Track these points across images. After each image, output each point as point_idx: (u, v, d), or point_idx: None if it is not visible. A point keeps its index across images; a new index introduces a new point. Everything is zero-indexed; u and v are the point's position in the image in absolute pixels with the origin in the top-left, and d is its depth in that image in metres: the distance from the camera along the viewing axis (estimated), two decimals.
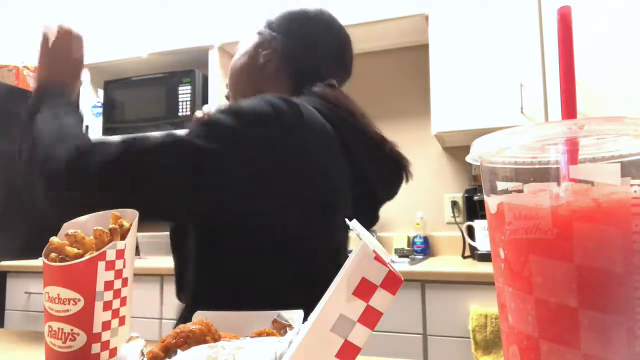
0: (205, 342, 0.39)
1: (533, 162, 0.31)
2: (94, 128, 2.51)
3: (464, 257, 2.00)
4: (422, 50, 2.25)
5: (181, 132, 0.66)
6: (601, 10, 1.72)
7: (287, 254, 0.72)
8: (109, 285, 0.47)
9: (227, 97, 0.91)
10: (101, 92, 2.57)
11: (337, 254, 0.81)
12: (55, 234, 0.51)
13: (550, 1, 1.79)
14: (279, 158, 0.68)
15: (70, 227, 0.53)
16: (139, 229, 0.54)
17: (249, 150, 0.66)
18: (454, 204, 2.16)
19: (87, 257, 0.46)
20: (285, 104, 0.69)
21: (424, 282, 1.58)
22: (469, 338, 1.49)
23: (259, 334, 0.42)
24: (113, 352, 0.48)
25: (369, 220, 0.90)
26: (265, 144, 0.67)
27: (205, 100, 2.32)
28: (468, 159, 0.33)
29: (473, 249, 1.92)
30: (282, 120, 0.68)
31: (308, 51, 0.85)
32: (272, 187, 0.68)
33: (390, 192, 0.89)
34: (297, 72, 0.85)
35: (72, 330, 0.45)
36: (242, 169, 0.66)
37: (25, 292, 2.14)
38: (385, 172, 0.85)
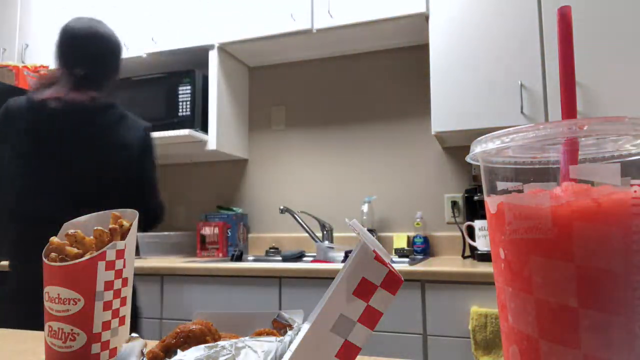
0: (205, 342, 0.39)
1: (533, 162, 0.31)
2: None
3: (464, 257, 2.00)
4: (422, 50, 2.25)
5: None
6: (601, 10, 1.72)
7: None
8: (109, 285, 0.47)
9: None
10: None
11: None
12: (55, 234, 0.51)
13: (550, 1, 1.79)
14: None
15: (70, 227, 0.53)
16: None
17: None
18: (454, 204, 2.16)
19: (87, 257, 0.47)
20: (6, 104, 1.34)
21: (424, 282, 1.58)
22: (469, 338, 1.49)
23: (259, 334, 0.42)
24: (113, 352, 0.48)
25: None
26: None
27: (205, 100, 2.32)
28: (468, 159, 0.33)
29: (473, 249, 1.92)
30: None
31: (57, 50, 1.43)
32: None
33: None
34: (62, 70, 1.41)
35: (72, 330, 0.45)
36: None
37: None
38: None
